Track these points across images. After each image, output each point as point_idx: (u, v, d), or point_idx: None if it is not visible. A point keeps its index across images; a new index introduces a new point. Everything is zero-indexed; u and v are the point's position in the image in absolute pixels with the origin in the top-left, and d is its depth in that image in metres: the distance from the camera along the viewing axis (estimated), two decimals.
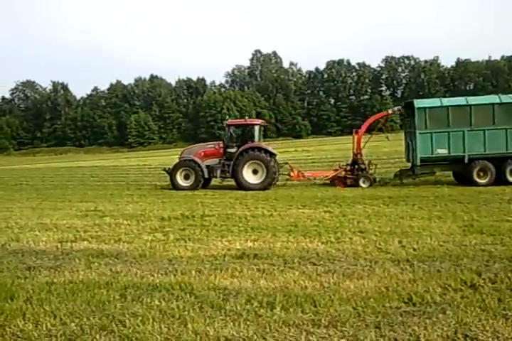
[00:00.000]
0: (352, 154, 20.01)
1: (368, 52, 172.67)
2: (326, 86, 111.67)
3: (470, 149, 18.34)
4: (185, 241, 8.11)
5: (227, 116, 23.03)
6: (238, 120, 22.77)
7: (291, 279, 5.70)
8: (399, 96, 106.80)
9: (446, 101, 20.02)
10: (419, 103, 19.30)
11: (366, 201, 13.08)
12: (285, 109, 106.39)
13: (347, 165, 19.88)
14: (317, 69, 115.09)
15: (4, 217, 11.68)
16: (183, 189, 19.41)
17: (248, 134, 20.62)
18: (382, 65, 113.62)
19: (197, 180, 19.74)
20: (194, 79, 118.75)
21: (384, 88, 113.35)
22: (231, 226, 9.53)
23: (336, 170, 19.90)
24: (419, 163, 18.75)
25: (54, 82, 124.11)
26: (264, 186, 19.01)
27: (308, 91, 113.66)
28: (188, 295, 5.17)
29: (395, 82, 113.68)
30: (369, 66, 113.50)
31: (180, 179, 20.05)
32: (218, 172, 19.86)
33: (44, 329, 4.39)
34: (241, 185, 19.30)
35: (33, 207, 13.56)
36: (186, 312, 4.66)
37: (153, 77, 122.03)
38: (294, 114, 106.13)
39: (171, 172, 20.24)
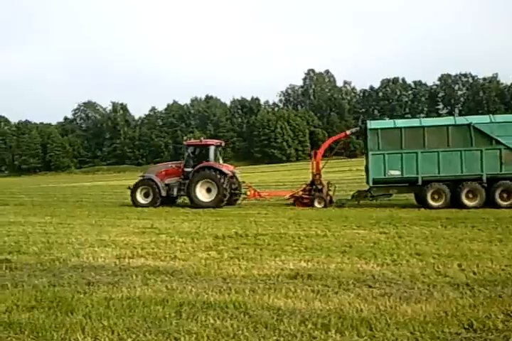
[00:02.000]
0: (311, 175, 20.24)
1: (424, 70, 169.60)
2: (380, 104, 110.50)
3: (423, 171, 18.07)
4: (239, 260, 8.14)
5: (185, 137, 24.42)
6: (195, 141, 23.78)
7: (346, 301, 5.61)
8: (457, 114, 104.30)
9: (400, 122, 20.12)
10: (372, 124, 19.32)
11: (423, 222, 12.78)
12: (339, 128, 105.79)
13: (306, 185, 20.28)
14: (371, 87, 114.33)
15: (65, 232, 12.09)
16: (142, 206, 20.58)
17: (203, 154, 21.41)
18: (438, 82, 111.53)
19: (155, 198, 20.93)
20: (248, 98, 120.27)
21: (441, 106, 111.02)
22: (284, 246, 9.50)
23: (294, 190, 20.74)
24: (371, 184, 18.78)
25: (114, 103, 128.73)
26: (215, 204, 19.94)
27: (363, 109, 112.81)
28: (242, 314, 5.18)
29: (452, 100, 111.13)
30: (425, 84, 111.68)
31: (140, 196, 21.35)
32: (175, 190, 20.99)
33: None
34: (194, 203, 20.34)
35: (92, 224, 13.97)
36: (240, 332, 4.66)
37: (208, 97, 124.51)
38: None
39: (132, 190, 21.43)
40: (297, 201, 19.94)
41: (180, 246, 9.77)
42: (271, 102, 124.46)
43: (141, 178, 22.10)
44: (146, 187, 21.37)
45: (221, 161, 22.00)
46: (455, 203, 17.52)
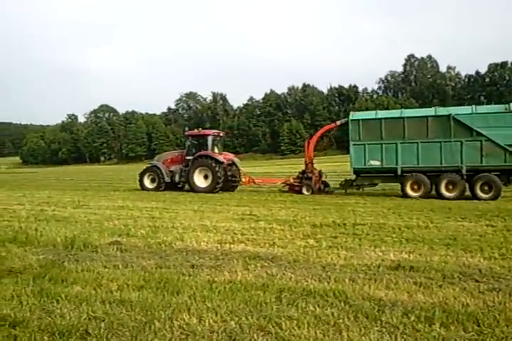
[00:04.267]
0: (304, 163, 21.36)
1: None
2: (487, 90, 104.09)
3: (403, 161, 18.44)
4: (338, 249, 8.09)
5: (186, 128, 26.00)
6: (194, 131, 24.81)
7: (450, 295, 5.41)
8: None
9: (381, 113, 20.45)
10: (353, 115, 19.96)
11: None
12: None
13: (299, 173, 21.50)
14: (477, 72, 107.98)
15: (170, 217, 12.65)
16: (148, 190, 23.23)
17: (202, 144, 23.26)
18: None
19: (159, 183, 23.30)
20: (346, 86, 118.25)
21: None
22: (384, 237, 9.30)
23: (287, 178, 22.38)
24: (352, 174, 19.62)
25: (214, 93, 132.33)
26: (210, 190, 21.88)
27: (468, 96, 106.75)
28: (342, 303, 5.16)
29: None
30: None
31: (147, 181, 23.82)
32: (177, 176, 23.11)
33: (207, 324, 4.65)
34: (192, 188, 22.62)
35: (195, 210, 14.48)
36: (341, 320, 4.66)
37: (305, 86, 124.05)
38: None
39: (140, 176, 24.05)
40: (290, 187, 21.35)
41: (278, 233, 9.89)
42: (369, 90, 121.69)
43: (149, 165, 24.38)
44: (152, 174, 23.69)
45: (216, 150, 23.50)
46: (434, 194, 17.88)
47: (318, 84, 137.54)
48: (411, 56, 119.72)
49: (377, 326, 4.53)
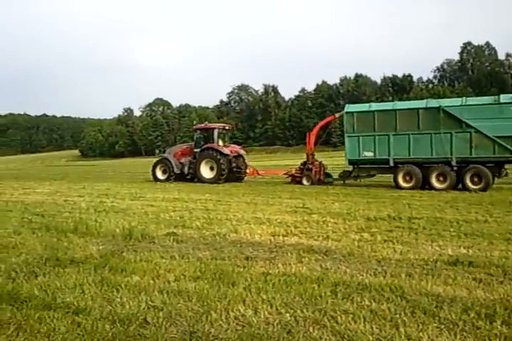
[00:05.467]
0: (306, 155, 22.35)
1: None
2: None
3: (395, 153, 18.91)
4: (393, 243, 7.97)
5: (194, 122, 29.13)
6: (201, 125, 26.61)
7: None
8: None
9: (375, 105, 21.00)
10: (348, 107, 20.51)
11: None
12: None
13: (300, 164, 22.47)
14: None
15: (224, 209, 12.80)
16: (160, 181, 24.74)
17: (209, 137, 24.72)
18: None
19: (169, 174, 24.89)
20: (400, 76, 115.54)
21: None
22: (441, 231, 9.08)
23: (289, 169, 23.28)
24: (347, 164, 20.47)
25: (265, 85, 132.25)
26: (215, 180, 23.30)
27: None
28: (398, 298, 5.08)
29: None
30: None
31: (159, 173, 25.52)
32: (186, 168, 24.56)
33: (262, 316, 4.68)
34: (199, 179, 24.07)
35: (248, 202, 14.58)
36: (398, 316, 4.59)
37: (357, 76, 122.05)
38: None
39: (153, 168, 25.71)
40: (292, 179, 22.39)
41: (332, 226, 9.82)
42: (424, 79, 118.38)
43: (160, 158, 26.09)
44: (163, 165, 25.35)
45: (221, 143, 24.70)
46: (424, 185, 18.25)
47: (370, 74, 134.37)
48: (467, 44, 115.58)
49: (435, 322, 4.44)
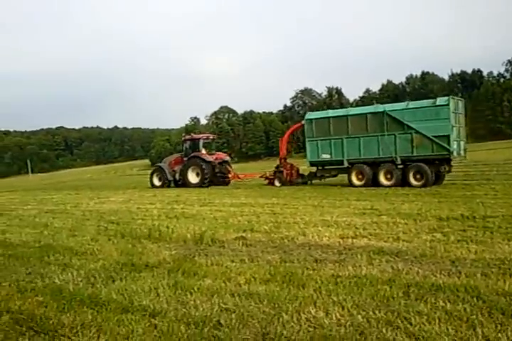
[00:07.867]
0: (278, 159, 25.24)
1: None
2: None
3: (348, 154, 21.26)
4: (467, 243, 7.71)
5: (183, 133, 35.52)
6: (189, 136, 29.47)
7: None
8: None
9: (331, 112, 23.62)
10: (308, 115, 23.29)
11: None
12: None
13: (274, 167, 25.20)
14: None
15: (291, 213, 12.82)
16: (156, 187, 28.33)
17: (195, 146, 28.01)
18: None
19: (164, 181, 28.68)
20: (469, 71, 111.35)
21: None
22: None
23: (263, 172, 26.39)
24: (308, 166, 23.17)
25: (329, 88, 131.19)
26: (200, 185, 26.79)
27: None
28: (474, 299, 4.92)
29: None
30: None
31: (155, 179, 29.14)
32: (177, 175, 28.06)
33: (334, 318, 4.68)
34: (186, 184, 27.52)
35: (315, 205, 14.53)
36: (474, 316, 4.45)
37: (424, 74, 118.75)
38: None
39: (150, 175, 29.66)
40: (268, 181, 25.14)
41: (402, 227, 9.62)
42: (495, 73, 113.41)
43: (156, 167, 29.95)
44: (159, 173, 28.92)
45: (203, 151, 27.94)
46: (375, 182, 20.18)
47: (438, 71, 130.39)
48: None
49: None
